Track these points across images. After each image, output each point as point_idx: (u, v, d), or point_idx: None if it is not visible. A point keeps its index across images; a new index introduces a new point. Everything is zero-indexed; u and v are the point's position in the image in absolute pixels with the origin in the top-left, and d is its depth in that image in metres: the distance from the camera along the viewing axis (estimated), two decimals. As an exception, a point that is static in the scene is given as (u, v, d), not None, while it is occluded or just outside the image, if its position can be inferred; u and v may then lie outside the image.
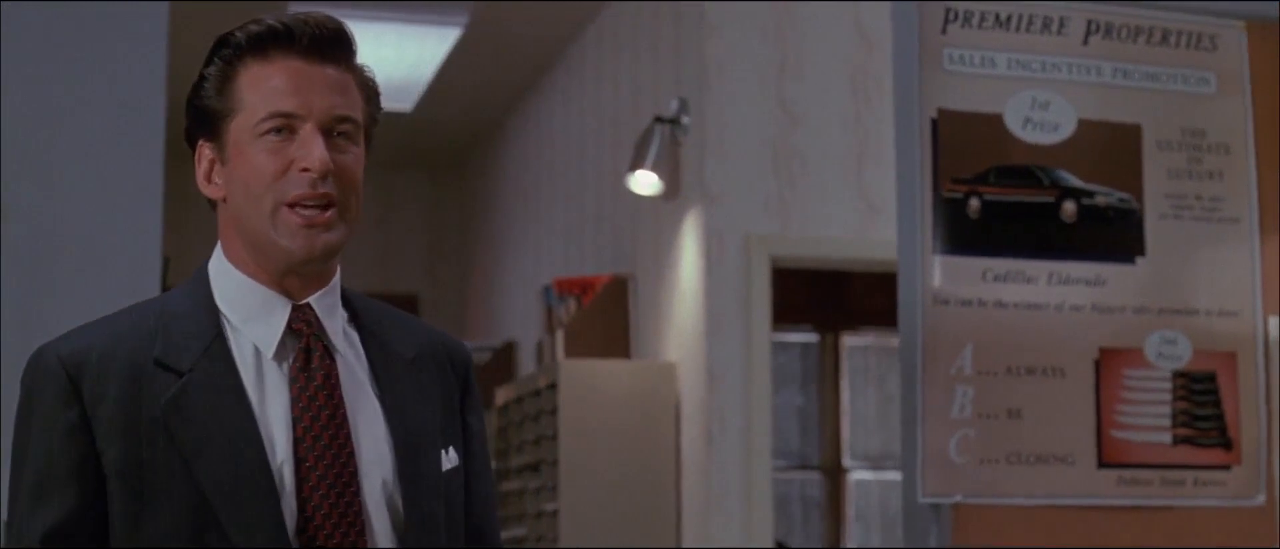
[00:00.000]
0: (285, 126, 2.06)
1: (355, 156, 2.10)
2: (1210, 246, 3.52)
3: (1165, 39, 3.55)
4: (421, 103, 8.69)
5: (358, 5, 7.36)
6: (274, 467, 2.03)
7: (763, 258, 6.08)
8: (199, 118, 2.14)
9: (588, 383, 6.37)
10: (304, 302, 2.11)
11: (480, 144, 9.78)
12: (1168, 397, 3.46)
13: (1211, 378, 3.49)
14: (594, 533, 6.21)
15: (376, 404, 2.12)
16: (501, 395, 7.44)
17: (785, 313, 7.17)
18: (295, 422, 2.05)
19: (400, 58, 7.99)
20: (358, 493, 2.06)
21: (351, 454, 2.06)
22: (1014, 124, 3.45)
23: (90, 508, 2.02)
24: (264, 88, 2.07)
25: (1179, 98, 3.56)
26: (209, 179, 2.15)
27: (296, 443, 2.05)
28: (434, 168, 10.27)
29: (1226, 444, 3.48)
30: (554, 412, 6.41)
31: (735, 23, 6.18)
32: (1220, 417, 3.48)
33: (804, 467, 9.17)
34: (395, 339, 2.19)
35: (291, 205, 2.05)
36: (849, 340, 9.23)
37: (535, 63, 8.41)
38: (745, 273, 6.06)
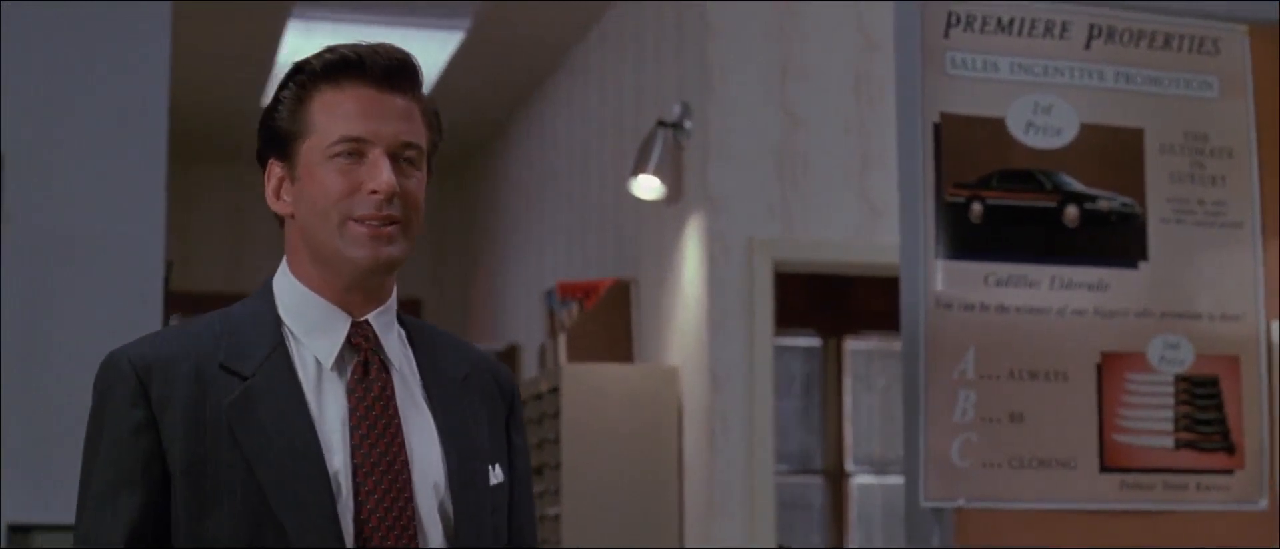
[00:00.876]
0: (355, 150, 2.17)
1: (418, 181, 2.22)
2: (1213, 250, 3.52)
3: (1167, 43, 3.55)
4: (424, 106, 8.68)
5: (361, 8, 7.36)
6: (331, 472, 2.12)
7: (765, 262, 6.08)
8: (271, 138, 2.25)
9: (590, 387, 6.37)
10: (363, 318, 2.21)
11: (483, 148, 9.78)
12: (1170, 401, 3.46)
13: (1214, 382, 3.49)
14: (596, 537, 6.20)
15: (429, 418, 2.22)
16: (504, 399, 7.43)
17: (788, 317, 7.17)
18: (353, 429, 2.15)
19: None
20: (411, 500, 2.16)
21: (405, 463, 2.16)
22: (1016, 128, 3.44)
23: (156, 506, 2.11)
24: (336, 113, 2.19)
25: (1181, 101, 3.55)
26: (278, 195, 2.25)
27: (354, 450, 2.14)
28: (437, 171, 10.27)
29: (1229, 448, 3.48)
30: (556, 415, 6.40)
31: (738, 26, 6.18)
32: (1223, 421, 3.48)
33: (807, 471, 9.17)
34: (446, 359, 2.30)
35: (358, 220, 2.16)
36: (851, 344, 9.22)
37: (538, 66, 8.42)
38: (748, 276, 6.06)
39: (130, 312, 4.79)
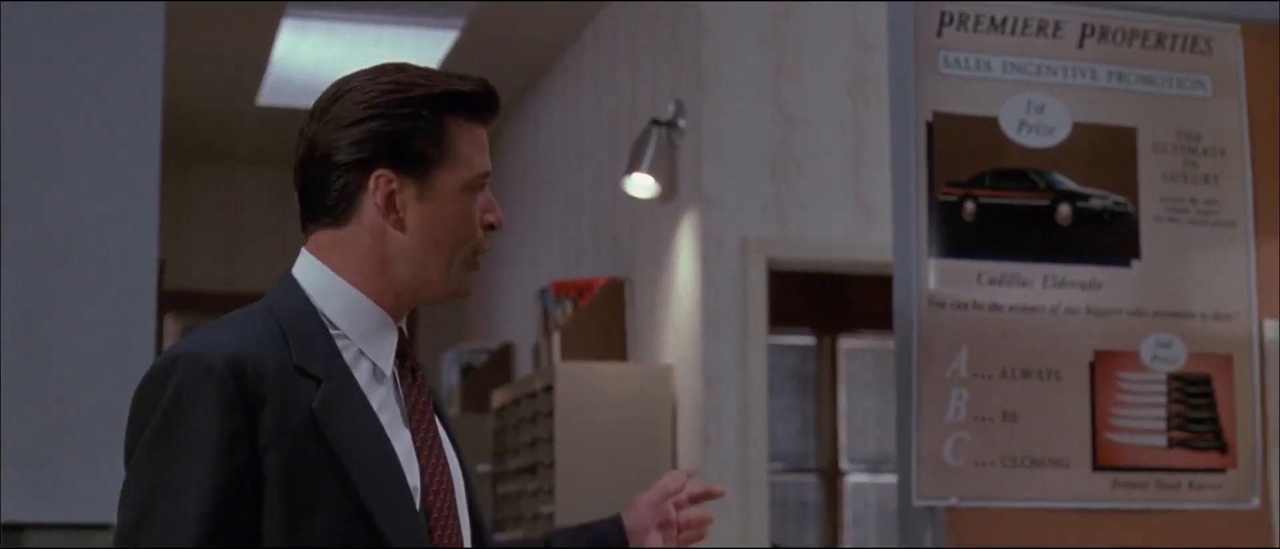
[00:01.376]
0: (485, 184, 2.24)
1: None
2: (1206, 250, 3.52)
3: (1160, 42, 3.56)
4: (419, 105, 8.68)
5: (355, 8, 7.36)
6: (407, 473, 2.15)
7: (759, 261, 6.08)
8: (400, 152, 2.19)
9: (584, 385, 6.37)
10: (400, 326, 2.26)
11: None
12: (1163, 400, 3.46)
13: (1206, 381, 3.49)
14: (590, 536, 6.20)
15: (437, 423, 2.27)
16: (498, 398, 7.44)
17: (782, 316, 7.18)
18: (413, 432, 2.19)
19: (397, 60, 7.97)
20: (457, 501, 2.23)
21: (446, 465, 2.22)
22: (1009, 127, 3.45)
23: (250, 521, 2.05)
24: (475, 146, 2.23)
25: (1174, 101, 3.56)
26: (389, 208, 2.20)
27: (418, 450, 2.18)
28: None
29: (1221, 447, 3.48)
30: (550, 414, 6.41)
31: (732, 26, 6.19)
32: (1215, 420, 3.48)
33: (801, 469, 9.17)
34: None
35: (477, 252, 2.24)
36: (846, 343, 9.23)
37: (532, 66, 8.42)
38: (742, 275, 6.07)
39: (123, 311, 4.78)
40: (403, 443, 2.16)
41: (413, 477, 2.15)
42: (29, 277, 4.72)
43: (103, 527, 4.45)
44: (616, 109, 7.25)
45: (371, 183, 2.18)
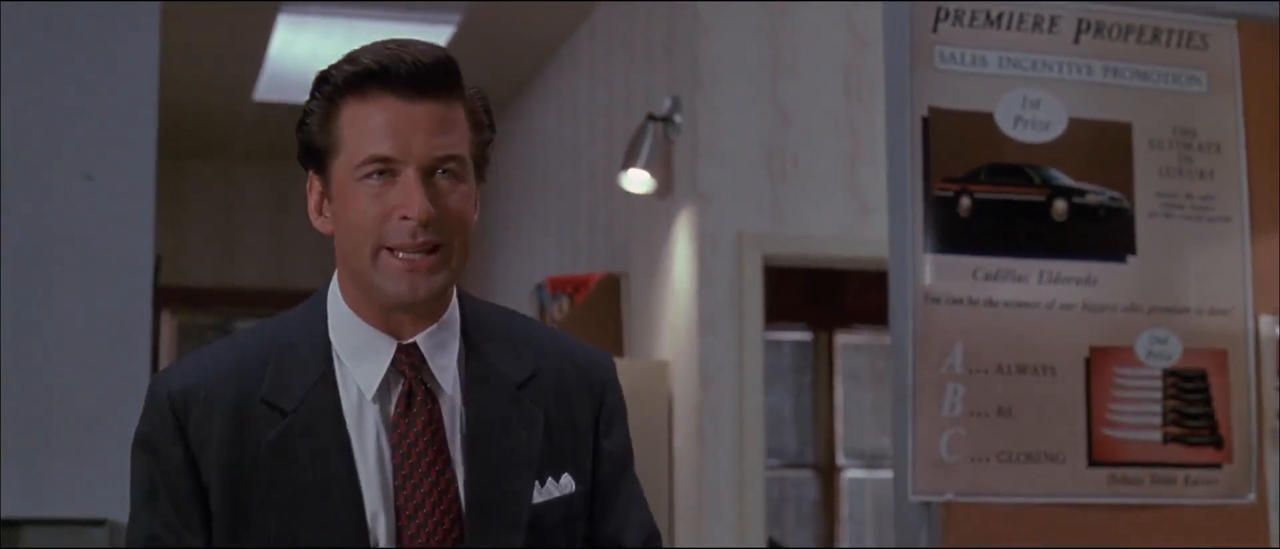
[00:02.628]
0: (386, 169, 2.01)
1: (462, 195, 2.05)
2: (1201, 245, 3.53)
3: (1156, 37, 3.56)
4: (415, 101, 8.67)
5: (349, 4, 7.36)
6: (370, 514, 2.01)
7: (755, 256, 6.08)
8: (305, 151, 2.08)
9: (580, 381, 6.35)
10: (411, 340, 2.07)
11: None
12: (1158, 395, 3.46)
13: (1202, 376, 3.50)
14: (587, 531, 6.20)
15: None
16: (495, 394, 7.43)
17: (779, 311, 7.18)
18: (396, 469, 2.02)
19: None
20: (461, 538, 2.03)
21: (456, 498, 2.03)
22: (1005, 123, 3.45)
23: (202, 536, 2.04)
24: (362, 128, 2.02)
25: (1170, 96, 3.56)
26: (319, 211, 2.09)
27: (396, 491, 2.01)
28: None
29: (1217, 443, 3.48)
30: (547, 410, 6.40)
31: (728, 22, 6.19)
32: (1211, 415, 3.48)
33: (798, 465, 9.18)
34: (505, 359, 2.13)
35: (392, 249, 2.01)
36: (842, 339, 9.23)
37: (528, 61, 8.41)
38: (738, 271, 6.07)
39: (119, 307, 4.79)
40: (375, 483, 2.02)
41: (381, 522, 2.00)
42: (25, 273, 4.72)
43: (98, 522, 4.45)
44: (612, 104, 7.25)
45: (308, 186, 2.10)
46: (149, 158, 4.89)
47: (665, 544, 6.54)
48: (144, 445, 2.07)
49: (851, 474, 9.20)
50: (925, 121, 3.39)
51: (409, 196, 1.99)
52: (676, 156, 6.33)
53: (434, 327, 2.07)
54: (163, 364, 9.04)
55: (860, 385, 9.27)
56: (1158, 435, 3.45)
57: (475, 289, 9.91)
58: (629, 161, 6.40)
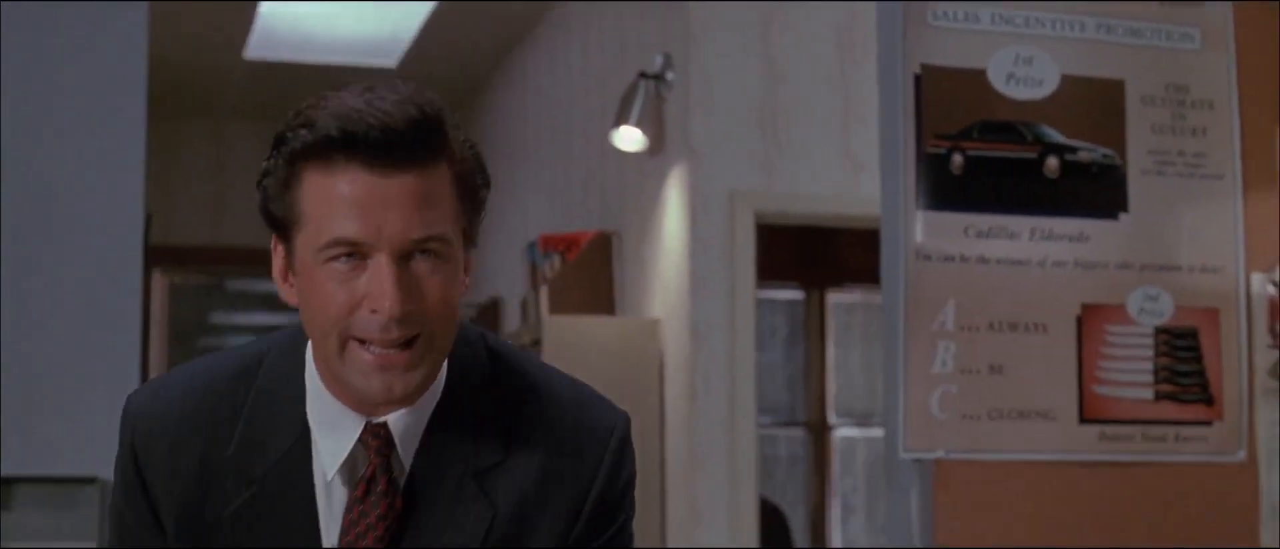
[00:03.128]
0: (354, 252, 1.74)
1: (444, 277, 1.78)
2: (1193, 203, 3.52)
3: (1149, -6, 3.55)
4: (405, 60, 8.67)
5: (341, -39, 7.33)
6: None
7: (747, 214, 6.08)
8: (265, 214, 1.82)
9: (572, 339, 6.37)
10: (382, 420, 1.84)
11: (465, 101, 9.76)
12: (1150, 353, 3.46)
13: (1194, 334, 3.49)
14: (578, 489, 6.21)
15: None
16: (486, 352, 7.43)
17: (771, 270, 7.17)
18: None
19: (383, 14, 7.96)
20: None
21: None
22: (997, 80, 3.44)
23: None
24: (325, 205, 1.73)
25: (1163, 53, 3.55)
26: (284, 278, 1.84)
27: None
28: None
29: (1208, 400, 3.48)
30: (538, 368, 6.40)
31: (720, -22, 6.17)
32: (1202, 373, 3.49)
33: (789, 423, 9.19)
34: (474, 439, 1.87)
35: (362, 342, 1.76)
36: (834, 297, 9.24)
37: (520, 19, 8.39)
38: (730, 229, 6.06)
39: (109, 265, 4.78)
40: None
41: None
42: (14, 231, 4.71)
43: (89, 480, 4.45)
44: (604, 62, 7.23)
45: (272, 245, 1.86)
46: (139, 115, 4.87)
47: (656, 504, 6.56)
48: (115, 470, 1.94)
49: (843, 432, 9.22)
50: (917, 78, 3.38)
51: (380, 288, 1.73)
52: (668, 114, 6.32)
53: (411, 408, 1.84)
54: (154, 323, 9.05)
55: (852, 344, 9.28)
56: (1149, 393, 3.45)
57: (467, 247, 9.85)
58: (620, 119, 6.39)
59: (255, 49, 8.54)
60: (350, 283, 1.75)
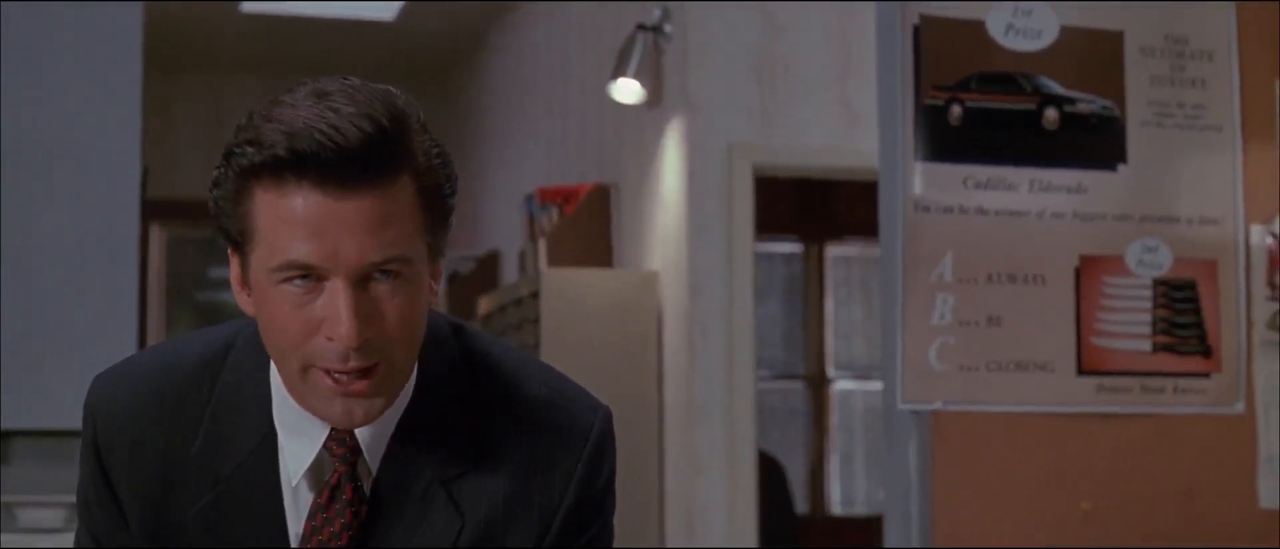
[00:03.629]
0: (308, 274, 1.64)
1: (406, 298, 1.67)
2: (1192, 154, 3.51)
3: (1149, -56, 3.53)
4: (404, 12, 8.64)
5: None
6: None
7: (745, 166, 6.07)
8: (217, 224, 1.73)
9: (570, 292, 6.37)
10: (341, 429, 1.76)
11: (463, 53, 9.73)
12: (1148, 304, 3.46)
13: (1192, 286, 3.49)
14: (577, 442, 6.22)
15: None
16: (484, 305, 7.44)
17: (769, 223, 7.18)
18: None
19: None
20: None
21: None
22: (996, 30, 3.43)
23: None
24: (278, 224, 1.63)
25: (1162, 4, 3.54)
26: (242, 286, 1.74)
27: None
28: (416, 78, 10.23)
29: (1206, 352, 3.49)
30: (536, 321, 6.41)
31: (718, -70, 6.14)
32: (1200, 325, 3.48)
33: (788, 376, 9.20)
34: (442, 445, 1.80)
35: (324, 370, 1.68)
36: (833, 251, 9.24)
37: (517, -29, 8.36)
38: (727, 182, 6.05)
39: (106, 219, 4.77)
40: None
41: None
42: (10, 185, 4.70)
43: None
44: (602, 14, 7.21)
45: (229, 252, 1.75)
46: (135, 69, 4.86)
47: (654, 457, 6.56)
48: (80, 460, 1.89)
49: (841, 385, 9.23)
50: (916, 29, 3.37)
51: (335, 316, 1.63)
52: (666, 66, 6.30)
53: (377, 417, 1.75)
54: (151, 276, 9.05)
55: (850, 297, 9.28)
56: (1147, 344, 3.45)
57: (466, 200, 9.90)
58: (618, 71, 6.37)
59: (251, 3, 8.52)
60: (306, 306, 1.65)
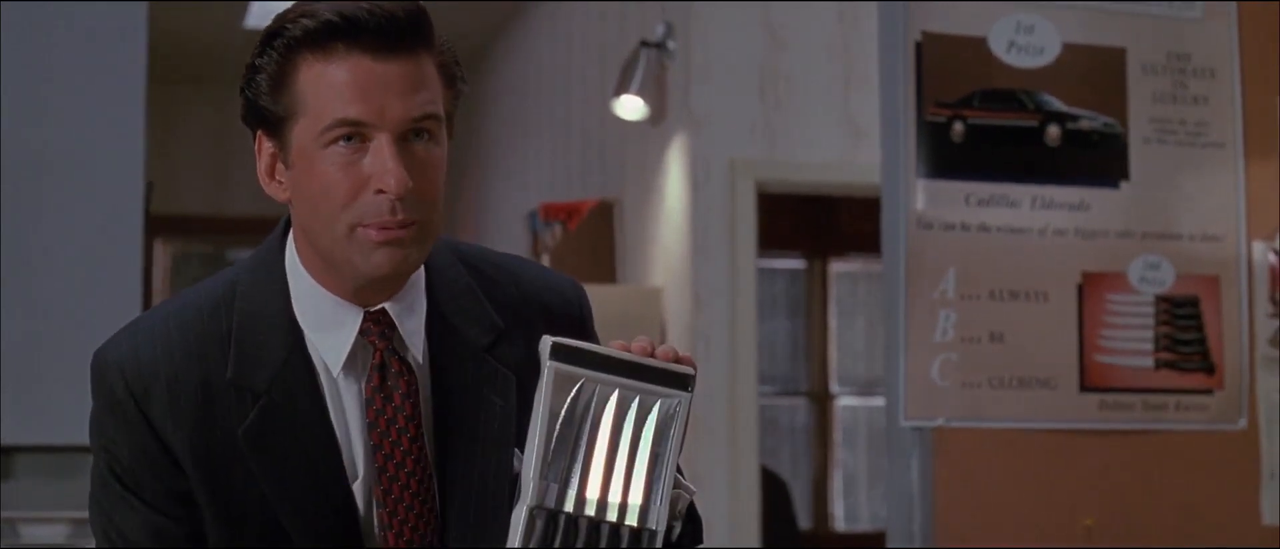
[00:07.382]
0: (356, 134, 1.81)
1: (437, 158, 1.87)
2: (1194, 171, 3.52)
3: (1151, -38, 3.54)
4: (407, 28, 8.64)
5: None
6: (358, 496, 1.89)
7: (748, 182, 6.07)
8: (254, 112, 1.88)
9: (573, 308, 6.35)
10: (379, 306, 1.89)
11: (466, 69, 9.73)
12: (1150, 321, 3.46)
13: (1194, 302, 3.49)
14: (580, 458, 6.21)
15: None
16: (488, 321, 7.44)
17: (773, 239, 7.17)
18: (376, 449, 1.87)
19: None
20: (443, 519, 1.90)
21: (431, 477, 1.89)
22: (998, 47, 3.43)
23: (182, 523, 1.89)
24: (327, 89, 1.81)
25: (1164, 21, 3.54)
26: (272, 175, 1.89)
27: (380, 471, 1.88)
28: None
29: (1208, 369, 3.48)
30: (540, 337, 6.40)
31: (721, -54, 6.15)
32: (1202, 341, 3.48)
33: (791, 392, 9.19)
34: (471, 319, 1.95)
35: (368, 225, 1.81)
36: (836, 267, 9.23)
37: (521, -13, 8.38)
38: (731, 198, 6.06)
39: (109, 234, 4.77)
40: (360, 462, 1.89)
41: (373, 503, 1.89)
42: (15, 199, 4.71)
43: (89, 449, 4.44)
44: (606, 30, 7.22)
45: (255, 146, 1.91)
46: (139, 83, 4.86)
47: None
48: (104, 438, 1.93)
49: (844, 401, 9.22)
50: (918, 46, 3.37)
51: (384, 167, 1.80)
52: (669, 82, 6.31)
53: (402, 291, 1.90)
54: (155, 294, 9.04)
55: (853, 313, 9.28)
56: (1149, 361, 3.45)
57: (469, 216, 9.92)
58: (622, 87, 6.38)
59: (255, 19, 8.53)
60: (353, 166, 1.81)
